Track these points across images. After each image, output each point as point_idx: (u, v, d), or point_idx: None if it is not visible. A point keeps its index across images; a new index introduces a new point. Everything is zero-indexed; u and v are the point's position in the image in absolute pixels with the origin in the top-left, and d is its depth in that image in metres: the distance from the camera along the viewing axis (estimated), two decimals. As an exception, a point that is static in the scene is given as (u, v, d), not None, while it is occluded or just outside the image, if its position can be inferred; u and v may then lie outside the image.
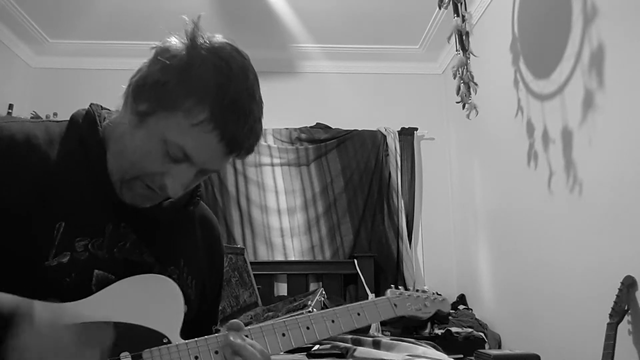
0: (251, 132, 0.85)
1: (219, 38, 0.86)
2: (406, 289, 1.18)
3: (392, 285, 1.15)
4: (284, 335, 0.90)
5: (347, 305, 1.02)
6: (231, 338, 0.83)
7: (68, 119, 0.94)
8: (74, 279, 0.82)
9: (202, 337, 0.84)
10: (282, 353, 0.90)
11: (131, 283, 0.86)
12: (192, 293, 0.98)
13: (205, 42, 0.84)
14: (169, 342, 0.82)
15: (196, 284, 0.99)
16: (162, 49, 0.84)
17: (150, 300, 0.86)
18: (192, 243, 1.01)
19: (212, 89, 0.81)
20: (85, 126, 0.90)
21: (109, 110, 0.96)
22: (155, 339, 0.82)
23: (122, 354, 0.78)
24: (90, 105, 0.94)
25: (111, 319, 0.80)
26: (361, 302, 1.04)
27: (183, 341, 0.83)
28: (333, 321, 0.97)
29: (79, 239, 0.84)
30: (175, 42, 0.84)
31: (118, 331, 0.80)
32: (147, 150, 0.83)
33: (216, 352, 0.83)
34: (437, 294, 1.24)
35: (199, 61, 0.82)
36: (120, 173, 0.86)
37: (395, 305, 1.10)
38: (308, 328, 0.93)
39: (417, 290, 1.19)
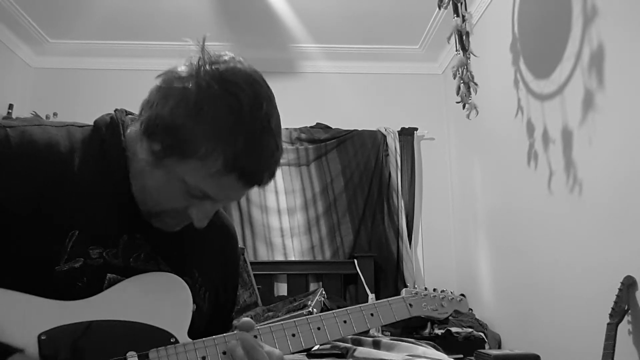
0: (269, 164, 0.83)
1: (225, 59, 0.82)
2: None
3: (407, 285, 1.13)
4: (293, 335, 0.88)
5: (360, 305, 0.99)
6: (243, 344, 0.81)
7: (92, 123, 0.92)
8: (86, 283, 0.82)
9: (210, 337, 0.83)
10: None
11: (138, 281, 0.85)
12: (204, 305, 0.96)
13: (211, 70, 0.80)
14: (177, 341, 0.82)
15: (209, 295, 0.98)
16: (168, 82, 0.81)
17: (157, 298, 0.85)
18: (207, 253, 0.99)
19: (223, 134, 0.78)
20: (108, 136, 0.88)
21: (133, 115, 0.93)
22: (163, 338, 0.81)
23: (129, 354, 0.78)
24: (114, 111, 0.92)
25: (118, 318, 0.80)
26: (375, 302, 1.01)
27: (190, 341, 0.83)
28: (345, 321, 0.94)
29: (92, 247, 0.83)
30: (182, 75, 0.80)
31: (125, 330, 0.80)
32: (167, 190, 0.83)
33: (224, 353, 0.82)
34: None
35: (208, 100, 0.78)
36: (147, 207, 0.86)
37: (410, 305, 1.07)
38: (319, 328, 0.91)
39: (434, 290, 1.16)
